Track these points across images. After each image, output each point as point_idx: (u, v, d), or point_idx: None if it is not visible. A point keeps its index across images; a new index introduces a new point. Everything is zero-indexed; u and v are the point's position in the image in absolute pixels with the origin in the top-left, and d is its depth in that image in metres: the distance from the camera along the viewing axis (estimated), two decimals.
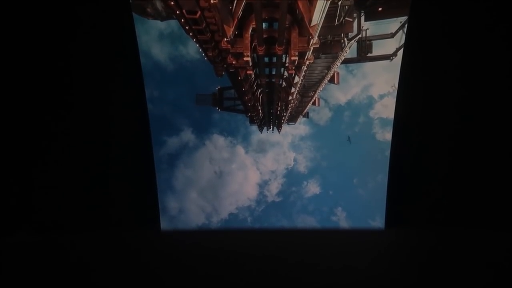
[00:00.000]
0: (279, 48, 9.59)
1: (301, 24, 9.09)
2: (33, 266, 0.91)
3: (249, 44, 9.12)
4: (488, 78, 1.48)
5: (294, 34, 9.08)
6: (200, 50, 11.37)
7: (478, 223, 1.56)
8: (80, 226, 1.72)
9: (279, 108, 22.26)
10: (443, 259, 0.87)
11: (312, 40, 8.41)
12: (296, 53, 9.38)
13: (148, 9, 13.49)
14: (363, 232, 1.12)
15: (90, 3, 1.65)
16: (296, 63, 10.26)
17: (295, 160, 26.06)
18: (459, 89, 1.57)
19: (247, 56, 9.38)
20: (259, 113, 22.37)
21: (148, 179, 2.13)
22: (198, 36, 9.62)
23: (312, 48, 9.43)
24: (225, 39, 8.59)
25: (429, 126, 1.75)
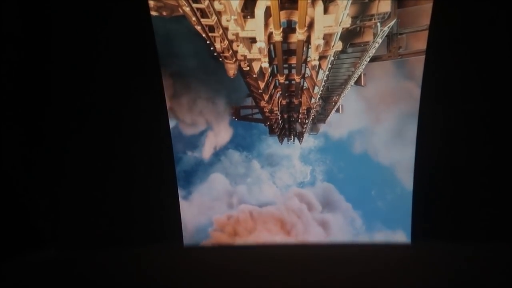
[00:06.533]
0: (300, 31, 7.81)
1: None
2: (59, 282, 0.95)
3: (263, 25, 7.42)
4: None
5: (319, 11, 7.32)
6: (208, 42, 9.77)
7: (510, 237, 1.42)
8: (104, 242, 1.74)
9: (300, 114, 20.44)
10: (476, 276, 0.91)
11: (343, 13, 6.60)
12: (321, 36, 7.60)
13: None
14: (388, 247, 1.06)
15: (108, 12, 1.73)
16: (320, 51, 8.46)
17: (311, 173, 24.75)
18: (493, 89, 1.47)
19: (261, 41, 7.67)
20: (278, 121, 20.57)
21: (170, 194, 2.21)
22: (202, 21, 8.00)
23: (341, 29, 7.63)
24: (233, 17, 6.93)
25: (458, 130, 1.73)
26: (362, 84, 18.86)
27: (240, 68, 12.93)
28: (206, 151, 21.34)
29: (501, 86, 1.49)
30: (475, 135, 1.61)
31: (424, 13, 13.88)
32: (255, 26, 7.32)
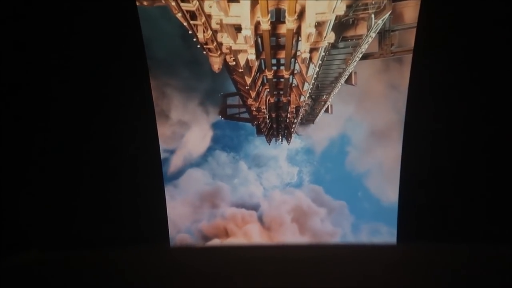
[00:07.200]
0: (290, 19, 7.10)
1: None
2: (43, 284, 0.91)
3: (248, 10, 6.70)
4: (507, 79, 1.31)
5: None
6: (190, 32, 8.99)
7: (499, 238, 1.48)
8: (90, 242, 1.72)
9: (288, 114, 19.81)
10: (462, 277, 0.79)
11: None
12: (313, 24, 6.92)
13: None
14: (373, 248, 1.13)
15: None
16: (311, 41, 7.79)
17: (298, 174, 24.61)
18: (478, 90, 1.55)
19: (246, 28, 6.94)
20: (266, 120, 19.88)
21: (156, 194, 2.14)
22: (182, 6, 7.23)
23: (334, 17, 6.97)
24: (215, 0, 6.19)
25: (443, 132, 1.84)
26: (353, 83, 18.31)
27: (226, 64, 12.19)
28: (191, 151, 20.62)
29: (491, 86, 1.45)
30: (462, 136, 1.60)
31: (417, 10, 13.40)
32: (241, 12, 6.60)
